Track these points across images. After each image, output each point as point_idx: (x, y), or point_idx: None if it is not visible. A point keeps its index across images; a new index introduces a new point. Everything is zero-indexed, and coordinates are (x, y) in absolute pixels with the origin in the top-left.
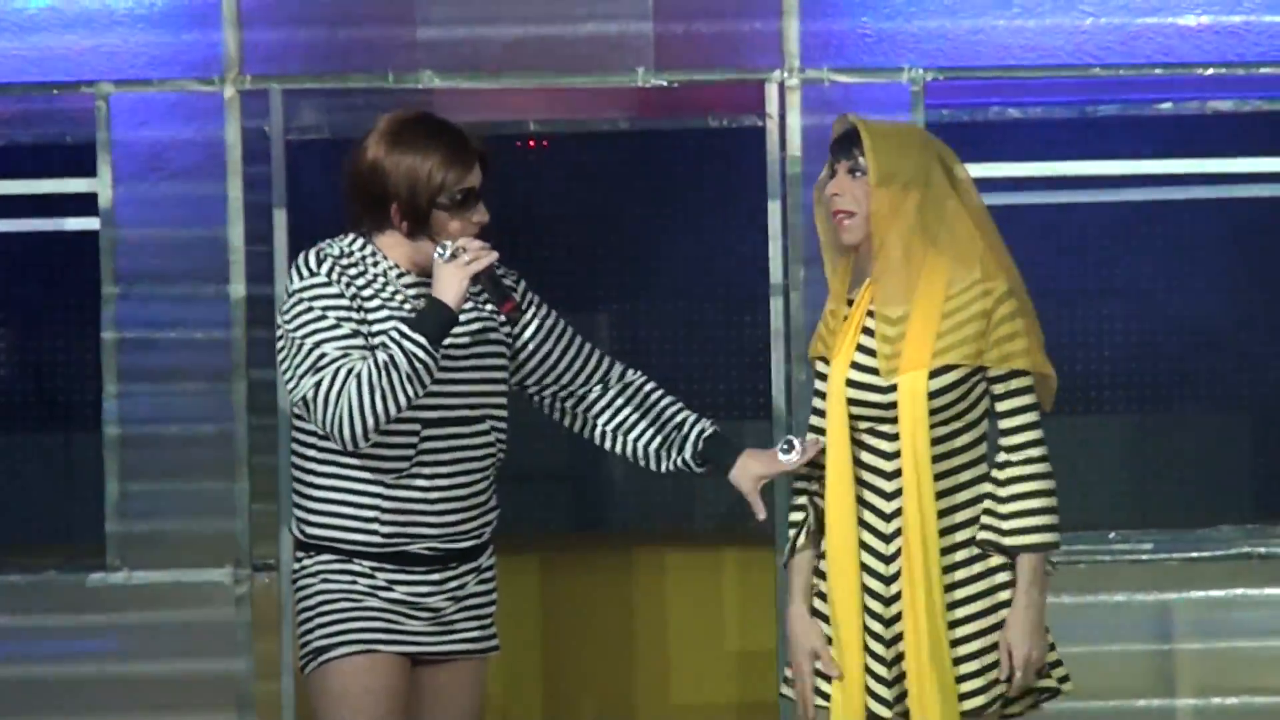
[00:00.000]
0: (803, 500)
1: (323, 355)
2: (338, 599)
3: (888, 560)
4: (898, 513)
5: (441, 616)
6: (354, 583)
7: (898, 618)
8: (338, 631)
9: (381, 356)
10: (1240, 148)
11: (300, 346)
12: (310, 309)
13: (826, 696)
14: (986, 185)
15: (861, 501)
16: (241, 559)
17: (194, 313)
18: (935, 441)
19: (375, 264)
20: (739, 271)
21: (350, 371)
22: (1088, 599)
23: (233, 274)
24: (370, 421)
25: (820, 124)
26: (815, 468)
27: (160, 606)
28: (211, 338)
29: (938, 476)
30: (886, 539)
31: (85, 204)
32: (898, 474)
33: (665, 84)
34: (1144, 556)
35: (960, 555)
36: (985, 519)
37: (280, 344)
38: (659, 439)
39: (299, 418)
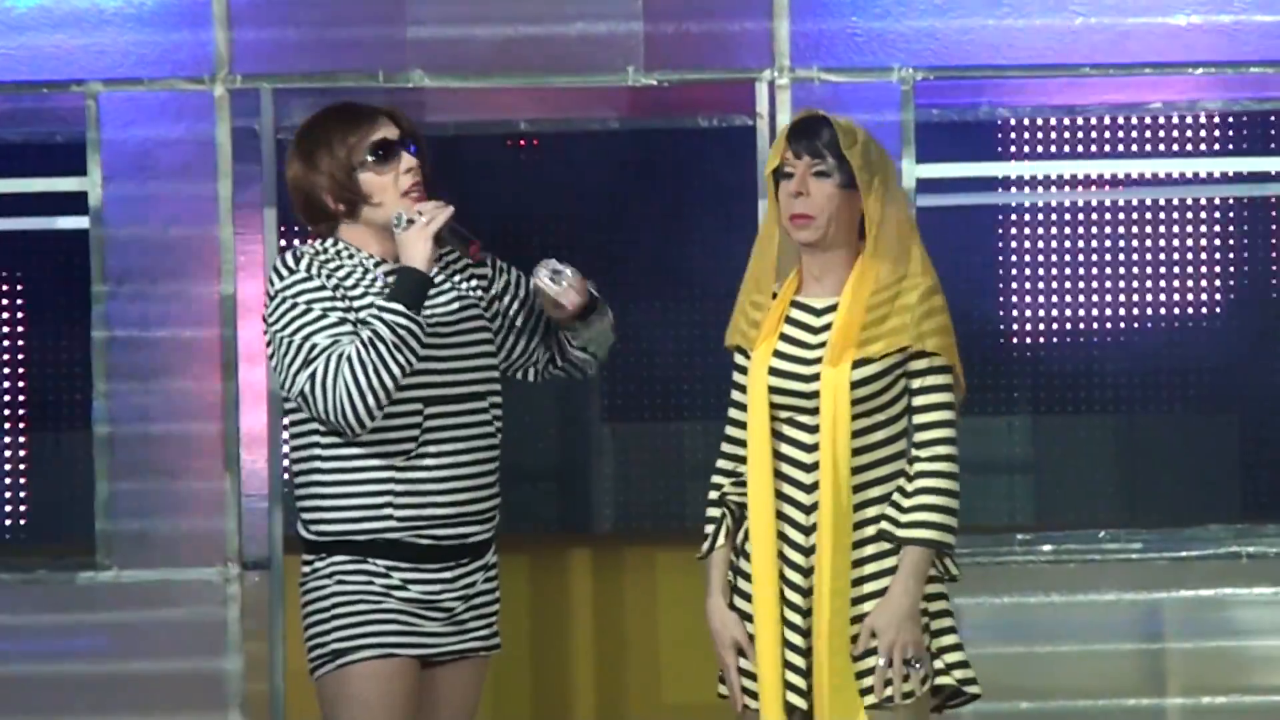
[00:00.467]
0: (717, 495)
1: (314, 346)
2: (355, 600)
3: (807, 552)
4: (817, 505)
5: (454, 616)
6: (369, 583)
7: None
8: (357, 634)
9: (366, 334)
10: (1229, 148)
11: (290, 343)
12: (295, 305)
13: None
14: (976, 185)
15: (779, 494)
16: (231, 558)
17: (183, 312)
18: (854, 434)
19: (350, 256)
20: (728, 271)
21: (342, 356)
22: (1077, 598)
23: (223, 273)
24: (371, 400)
25: None
26: (738, 462)
27: (150, 605)
28: (201, 336)
29: (856, 470)
30: (806, 531)
31: (75, 203)
32: (816, 466)
33: (655, 83)
34: (1133, 556)
35: (870, 549)
36: (888, 509)
37: (270, 347)
38: (559, 345)
39: (297, 416)
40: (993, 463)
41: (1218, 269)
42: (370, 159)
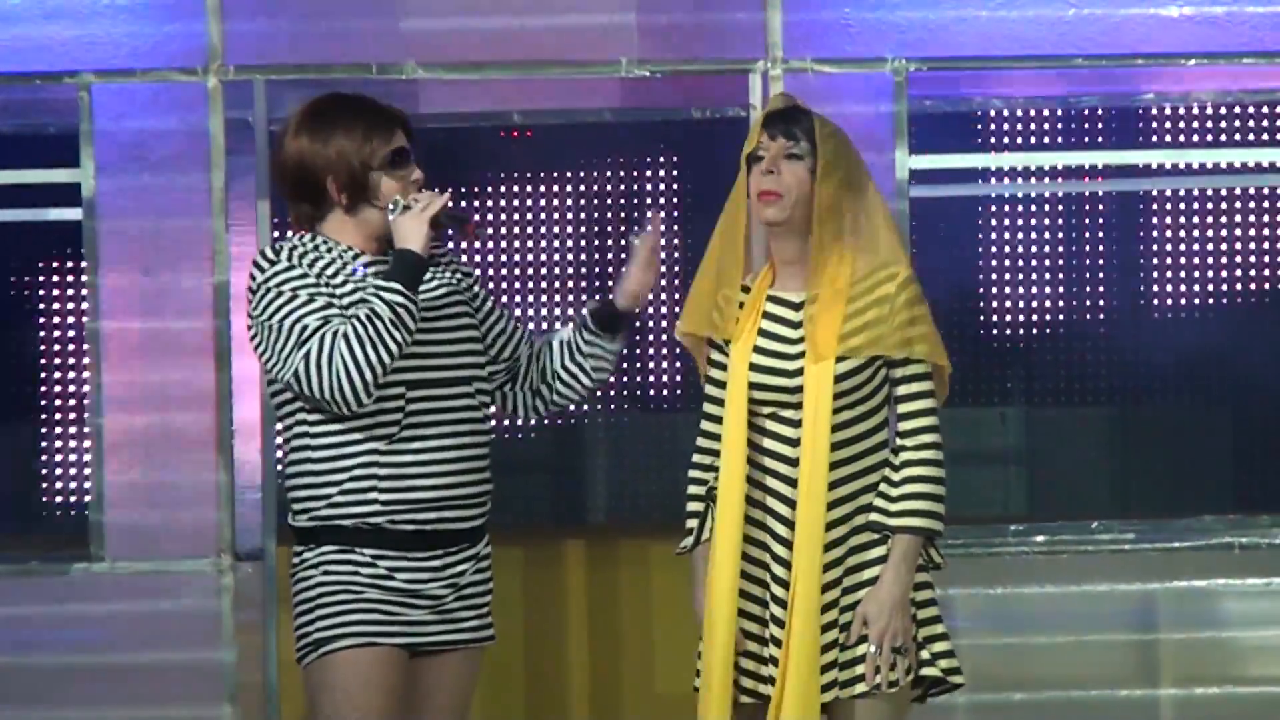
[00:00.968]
0: (700, 489)
1: (305, 328)
2: (338, 590)
3: (793, 546)
4: None
5: (441, 605)
6: (355, 574)
7: None
8: (338, 624)
9: (363, 311)
10: (1222, 140)
11: (279, 329)
12: (280, 293)
13: (751, 678)
14: (969, 175)
15: (765, 488)
16: (225, 549)
17: (177, 302)
18: (837, 428)
19: (330, 249)
20: None
21: (336, 334)
22: (1071, 589)
23: (216, 264)
24: (368, 375)
25: None
26: (716, 456)
27: (144, 596)
28: (194, 327)
29: (839, 461)
30: (791, 525)
31: (68, 194)
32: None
33: (648, 75)
34: (1126, 546)
35: (853, 540)
36: (876, 501)
37: (255, 338)
38: (565, 349)
39: (287, 402)
40: (985, 454)
41: (1211, 260)
42: (387, 162)
